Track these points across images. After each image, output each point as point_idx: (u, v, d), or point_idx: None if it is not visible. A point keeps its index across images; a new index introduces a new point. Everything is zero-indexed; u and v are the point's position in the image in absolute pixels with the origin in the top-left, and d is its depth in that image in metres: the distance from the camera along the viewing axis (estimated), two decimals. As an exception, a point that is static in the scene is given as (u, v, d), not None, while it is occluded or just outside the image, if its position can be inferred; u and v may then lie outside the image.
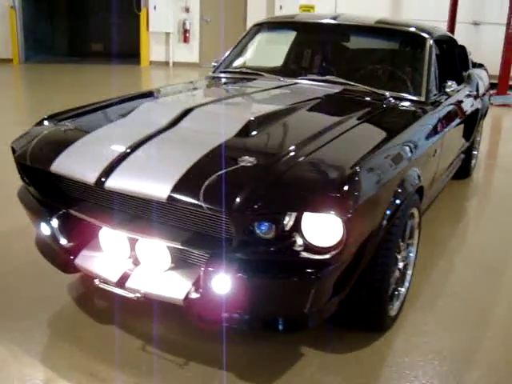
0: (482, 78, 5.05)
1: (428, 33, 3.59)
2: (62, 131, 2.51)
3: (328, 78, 3.40)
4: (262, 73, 3.60)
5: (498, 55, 10.82)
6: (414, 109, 3.13)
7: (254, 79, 3.54)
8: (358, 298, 2.34)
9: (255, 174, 2.03)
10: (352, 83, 3.32)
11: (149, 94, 3.21)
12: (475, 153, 5.20)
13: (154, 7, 12.21)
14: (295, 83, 3.39)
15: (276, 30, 4.11)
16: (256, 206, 1.91)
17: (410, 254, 2.76)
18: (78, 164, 2.24)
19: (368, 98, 3.20)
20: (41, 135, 2.48)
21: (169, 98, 3.14)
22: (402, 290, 2.70)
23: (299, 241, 1.99)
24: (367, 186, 2.11)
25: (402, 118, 2.92)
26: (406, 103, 3.20)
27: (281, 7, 12.74)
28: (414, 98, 3.25)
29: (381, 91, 3.26)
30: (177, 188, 1.99)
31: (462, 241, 3.87)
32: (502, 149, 6.98)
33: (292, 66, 3.90)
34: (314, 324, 2.16)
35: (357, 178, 2.05)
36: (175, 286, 2.16)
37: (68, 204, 2.36)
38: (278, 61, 4.18)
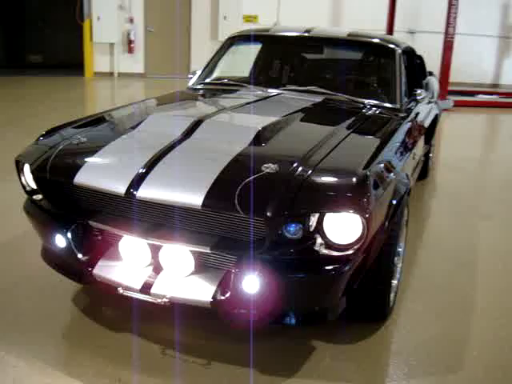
0: (434, 85, 5.42)
1: (396, 44, 3.87)
2: (77, 144, 2.55)
3: (310, 88, 3.58)
4: (245, 84, 3.74)
5: (432, 62, 11.49)
6: (391, 116, 3.37)
7: (238, 90, 3.67)
8: (363, 290, 2.52)
9: (280, 179, 2.18)
10: (333, 93, 3.53)
11: (143, 106, 3.29)
12: (431, 155, 5.57)
13: (98, 18, 12.07)
14: (280, 94, 3.55)
15: (250, 42, 4.26)
16: (288, 209, 2.06)
17: (400, 249, 2.98)
18: (103, 176, 2.30)
19: (349, 107, 3.42)
20: (58, 148, 2.52)
21: (171, 110, 3.21)
22: (395, 282, 2.91)
23: (321, 240, 2.15)
24: (377, 188, 2.30)
25: (386, 125, 3.15)
26: (383, 110, 3.44)
27: (225, 17, 12.94)
28: (390, 105, 3.50)
29: (360, 100, 3.49)
30: (210, 196, 2.11)
31: (434, 236, 4.16)
32: (449, 150, 7.47)
33: (272, 78, 4.06)
34: (332, 318, 2.33)
35: (369, 181, 2.24)
36: (200, 289, 2.26)
37: (86, 215, 2.41)
38: (254, 72, 4.32)
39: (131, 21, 12.46)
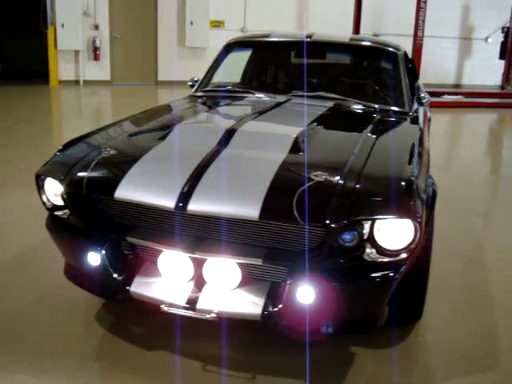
0: (422, 88, 5.52)
1: (397, 48, 3.91)
2: (109, 157, 2.46)
3: (319, 93, 3.58)
4: (252, 91, 3.70)
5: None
6: (404, 119, 3.40)
7: (246, 97, 3.62)
8: (402, 293, 2.52)
9: (333, 188, 2.16)
10: (342, 98, 3.53)
11: (159, 115, 3.21)
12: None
13: (62, 25, 11.78)
14: (289, 99, 3.51)
15: (249, 48, 4.22)
16: (346, 217, 2.04)
17: None
18: (147, 190, 2.21)
19: (361, 112, 3.43)
20: (94, 162, 2.41)
21: (193, 119, 3.10)
22: None
23: (372, 246, 2.14)
24: (420, 192, 2.31)
25: (405, 129, 3.18)
26: (394, 114, 3.47)
27: (192, 23, 12.85)
28: (400, 109, 3.53)
29: (370, 104, 3.51)
30: (266, 207, 2.06)
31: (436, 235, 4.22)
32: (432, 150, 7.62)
33: (277, 84, 4.02)
34: (380, 324, 2.32)
35: (415, 186, 2.24)
36: (249, 302, 2.21)
37: (123, 231, 2.32)
38: (256, 78, 4.28)
39: (96, 27, 12.22)
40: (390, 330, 2.74)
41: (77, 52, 12.19)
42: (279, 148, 2.44)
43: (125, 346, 2.58)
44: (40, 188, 2.54)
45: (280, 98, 3.55)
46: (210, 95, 3.81)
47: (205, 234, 2.25)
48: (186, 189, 2.17)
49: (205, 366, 2.45)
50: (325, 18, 13.32)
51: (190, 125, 2.89)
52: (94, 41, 12.20)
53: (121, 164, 2.42)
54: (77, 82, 12.46)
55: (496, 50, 14.75)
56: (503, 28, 14.49)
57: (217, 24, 13.21)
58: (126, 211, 2.34)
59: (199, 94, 3.89)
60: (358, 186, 2.18)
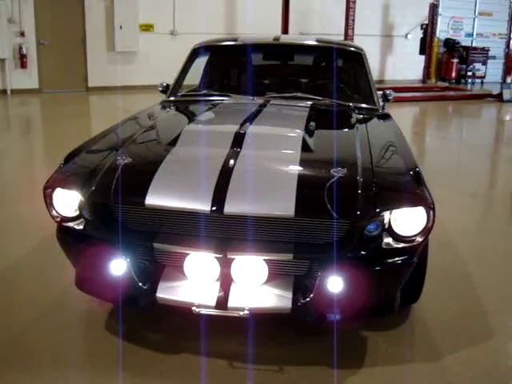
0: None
1: (360, 48, 4.13)
2: (128, 165, 2.45)
3: (297, 94, 3.70)
4: (229, 94, 3.76)
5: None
6: (381, 115, 3.62)
7: (224, 100, 3.68)
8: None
9: (354, 182, 2.31)
10: (318, 98, 3.68)
11: (157, 119, 3.21)
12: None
13: (-15, 32, 11.20)
14: (268, 101, 3.59)
15: (218, 51, 4.28)
16: (373, 209, 2.19)
17: None
18: (179, 195, 2.25)
19: (340, 110, 3.60)
20: (116, 171, 2.40)
21: (197, 123, 3.11)
22: None
23: (390, 234, 2.31)
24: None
25: (386, 124, 3.38)
26: (367, 112, 3.67)
27: (121, 27, 12.63)
28: (372, 106, 3.74)
29: (344, 103, 3.69)
30: (300, 204, 2.17)
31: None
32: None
33: (251, 86, 4.10)
34: (397, 306, 2.48)
35: (421, 176, 2.44)
36: (278, 297, 2.30)
37: (148, 238, 2.34)
38: (228, 81, 4.34)
39: (22, 34, 11.71)
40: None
41: (2, 60, 11.64)
42: (291, 148, 2.56)
43: (146, 353, 2.59)
44: (48, 200, 2.50)
45: (258, 100, 3.64)
46: (187, 99, 3.84)
47: (236, 234, 2.31)
48: (218, 191, 2.23)
49: (231, 364, 2.51)
50: (253, 19, 13.50)
51: (195, 129, 2.92)
52: (20, 48, 11.69)
53: (143, 171, 2.43)
54: (4, 92, 11.90)
55: (416, 45, 15.60)
56: (422, 25, 15.35)
57: (146, 28, 13.07)
58: (153, 218, 2.36)
59: (174, 98, 3.90)
60: (375, 179, 2.33)
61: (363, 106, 3.73)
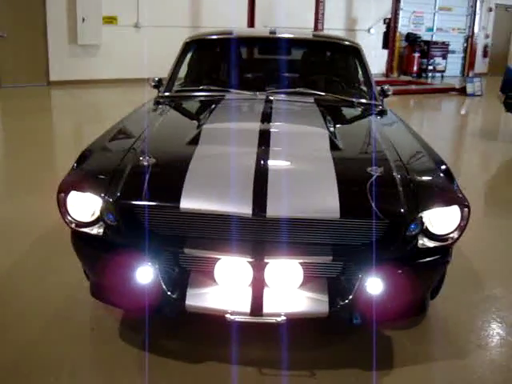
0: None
1: (356, 43, 4.09)
2: (155, 166, 2.33)
3: (299, 89, 3.63)
4: (229, 89, 3.65)
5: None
6: (384, 111, 3.59)
7: (225, 96, 3.57)
8: None
9: (393, 182, 2.26)
10: (321, 93, 3.62)
11: (164, 116, 3.08)
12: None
13: None
14: (270, 96, 3.50)
15: (211, 45, 4.14)
16: (416, 209, 2.15)
17: None
18: (214, 199, 2.14)
19: (344, 105, 3.55)
20: (146, 172, 2.27)
21: (213, 121, 2.94)
22: None
23: (424, 233, 2.27)
24: None
25: (393, 120, 3.36)
26: (370, 106, 3.63)
27: (83, 19, 12.22)
28: (373, 102, 3.71)
29: (347, 98, 3.64)
30: (344, 205, 2.10)
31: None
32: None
33: (251, 81, 3.98)
34: (428, 305, 2.46)
35: (452, 174, 2.41)
36: (313, 300, 2.23)
37: (179, 244, 2.22)
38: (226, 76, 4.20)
39: (-21, 27, 11.18)
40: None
41: (-42, 54, 11.08)
42: (320, 146, 2.49)
43: (169, 363, 2.47)
44: (62, 205, 2.34)
45: (261, 96, 3.54)
46: (185, 95, 3.70)
47: (276, 237, 2.21)
48: (257, 194, 2.14)
49: (260, 370, 2.43)
50: (218, 12, 13.34)
51: (215, 127, 2.80)
52: (-24, 41, 11.16)
53: (172, 173, 2.32)
54: (-39, 87, 11.34)
55: (378, 39, 15.76)
56: (385, 19, 15.53)
57: (109, 20, 12.69)
58: (185, 222, 2.24)
59: (170, 94, 3.74)
60: (411, 178, 2.29)
61: (365, 101, 3.69)
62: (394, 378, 2.42)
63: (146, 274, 2.22)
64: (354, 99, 3.65)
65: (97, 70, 12.63)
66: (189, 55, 3.99)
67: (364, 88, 3.84)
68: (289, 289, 2.25)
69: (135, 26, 12.98)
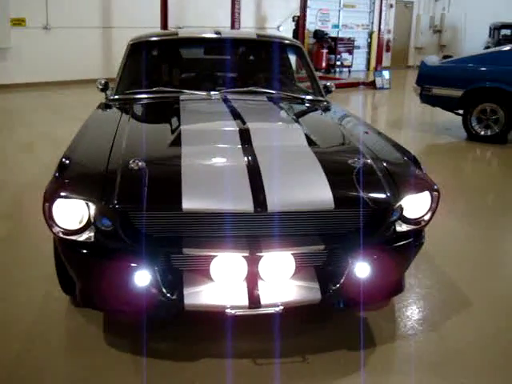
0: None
1: (298, 42, 4.26)
2: (147, 169, 2.32)
3: (251, 88, 3.72)
4: (183, 90, 3.67)
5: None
6: (329, 106, 3.79)
7: (178, 96, 3.58)
8: None
9: (374, 172, 2.43)
10: (273, 91, 3.74)
11: (128, 119, 3.08)
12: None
13: None
14: (226, 96, 3.57)
15: (158, 46, 4.13)
16: (399, 197, 2.34)
17: None
18: (214, 198, 2.19)
19: (297, 102, 3.71)
20: (139, 175, 2.27)
21: (187, 121, 2.94)
22: None
23: (401, 218, 2.47)
24: None
25: (347, 115, 3.56)
26: (318, 103, 3.82)
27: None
28: (320, 98, 3.89)
29: (299, 95, 3.80)
30: (337, 196, 2.24)
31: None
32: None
33: (203, 81, 4.00)
34: (404, 285, 2.66)
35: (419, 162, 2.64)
36: (305, 289, 2.35)
37: (176, 245, 2.25)
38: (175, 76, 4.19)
39: None
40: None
41: None
42: (298, 141, 2.62)
43: (164, 364, 2.49)
44: (48, 214, 2.27)
45: (216, 96, 3.60)
46: (138, 97, 3.66)
47: (275, 231, 2.30)
48: (256, 190, 2.22)
49: (255, 361, 2.52)
50: (130, 12, 13.12)
51: (193, 128, 2.81)
52: None
53: (166, 175, 2.35)
54: None
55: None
56: (294, 17, 15.95)
57: (18, 22, 12.05)
58: (185, 222, 2.27)
59: (121, 96, 3.68)
60: (387, 168, 2.48)
61: (313, 98, 3.86)
62: (379, 355, 2.59)
63: (143, 276, 2.24)
64: (303, 96, 3.81)
65: (8, 75, 11.95)
66: (133, 57, 3.93)
67: (311, 85, 4.01)
68: (282, 280, 2.35)
69: (45, 27, 12.43)
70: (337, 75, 16.79)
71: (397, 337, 2.75)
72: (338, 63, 17.21)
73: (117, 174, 2.31)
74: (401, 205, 2.39)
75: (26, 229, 4.00)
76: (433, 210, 2.49)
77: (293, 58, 4.30)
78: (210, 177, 2.32)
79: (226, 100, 3.45)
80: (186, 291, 2.30)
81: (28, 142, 6.93)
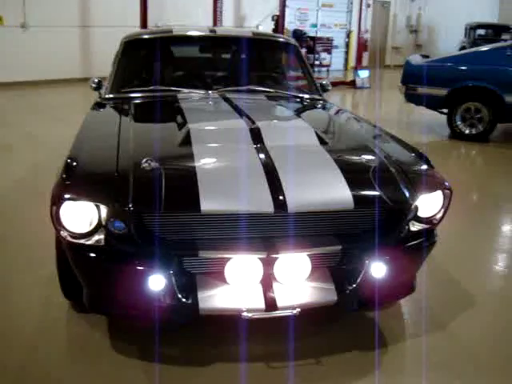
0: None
1: (294, 40, 4.23)
2: (162, 169, 2.25)
3: (250, 87, 3.67)
4: (180, 88, 3.60)
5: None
6: (328, 105, 3.78)
7: (177, 95, 3.51)
8: None
9: (390, 171, 2.41)
10: (271, 90, 3.71)
11: (129, 123, 2.98)
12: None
13: None
14: (224, 94, 3.52)
15: (153, 43, 4.04)
16: (417, 196, 2.33)
17: None
18: (233, 199, 2.14)
19: (296, 100, 3.68)
20: (154, 176, 2.20)
21: (194, 121, 2.85)
22: None
23: (414, 217, 2.45)
24: None
25: (348, 113, 3.55)
26: (317, 101, 3.80)
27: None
28: (318, 96, 3.87)
29: (298, 94, 3.77)
30: (356, 196, 2.21)
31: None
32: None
33: (200, 79, 3.92)
34: (416, 286, 2.65)
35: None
36: (321, 290, 2.32)
37: (193, 248, 2.19)
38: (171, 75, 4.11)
39: None
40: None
41: None
42: (309, 140, 2.59)
43: (178, 370, 2.43)
44: (56, 218, 2.19)
45: (214, 94, 3.55)
46: (136, 96, 3.57)
47: (295, 232, 2.26)
48: (274, 190, 2.18)
49: (268, 364, 2.48)
50: (109, 11, 12.94)
51: (201, 127, 2.75)
52: None
53: (182, 175, 2.30)
54: None
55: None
56: (273, 16, 15.93)
57: (-9, 19, 11.77)
58: (203, 224, 2.21)
59: (117, 95, 3.60)
60: (402, 167, 2.46)
61: (312, 96, 3.84)
62: (391, 355, 2.58)
63: (158, 281, 2.17)
64: (301, 95, 3.78)
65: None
66: (128, 55, 3.85)
67: (308, 84, 3.98)
68: (297, 281, 2.31)
69: (22, 26, 12.15)
70: (315, 75, 16.82)
71: (406, 336, 2.74)
72: (317, 62, 17.24)
73: (129, 174, 2.23)
74: (416, 204, 2.38)
75: (18, 230, 3.89)
76: (445, 208, 2.48)
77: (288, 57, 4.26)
78: (227, 177, 2.27)
79: (226, 99, 3.40)
80: (201, 295, 2.24)
81: (7, 144, 6.73)
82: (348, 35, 18.27)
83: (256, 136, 2.56)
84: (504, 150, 7.32)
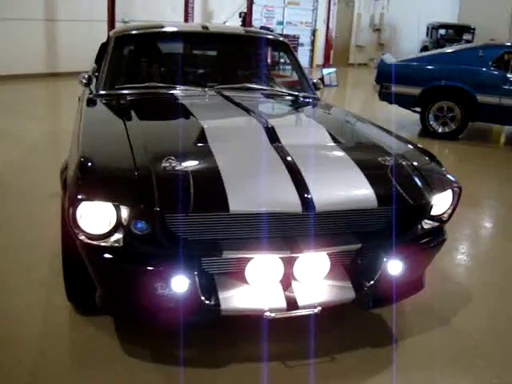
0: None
1: (284, 38, 4.23)
2: (185, 169, 2.22)
3: (245, 85, 3.65)
4: (175, 85, 3.54)
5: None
6: (326, 103, 3.80)
7: (173, 93, 3.46)
8: None
9: (406, 170, 2.46)
10: (266, 88, 3.70)
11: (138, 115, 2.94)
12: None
13: None
14: (221, 92, 3.48)
15: (145, 39, 3.96)
16: (430, 193, 2.38)
17: None
18: (262, 198, 2.13)
19: (293, 99, 3.68)
20: (178, 176, 2.17)
21: (203, 118, 2.81)
22: None
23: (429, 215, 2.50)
24: None
25: (348, 112, 3.58)
26: (312, 100, 3.82)
27: None
28: (312, 94, 3.89)
29: (293, 92, 3.77)
30: (379, 194, 2.23)
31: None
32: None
33: (195, 76, 3.86)
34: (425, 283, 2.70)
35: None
36: (340, 288, 2.33)
37: (217, 248, 2.17)
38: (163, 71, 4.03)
39: None
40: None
41: None
42: (323, 138, 2.61)
43: (195, 373, 2.40)
44: (74, 218, 2.12)
45: (210, 92, 3.51)
46: (132, 92, 3.49)
47: (319, 230, 2.27)
48: (300, 190, 2.17)
49: (284, 363, 2.48)
50: (76, 5, 12.63)
51: (215, 125, 2.72)
52: None
53: (206, 175, 2.26)
54: None
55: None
56: (241, 13, 15.89)
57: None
58: (229, 224, 2.19)
59: (111, 91, 3.48)
60: (415, 166, 2.50)
61: (306, 94, 3.85)
62: (403, 351, 2.62)
63: (181, 282, 2.14)
64: (296, 93, 3.78)
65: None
66: (120, 50, 3.76)
67: (302, 82, 3.99)
68: (316, 280, 2.32)
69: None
70: (281, 72, 16.89)
71: (415, 333, 2.79)
72: (282, 60, 17.32)
73: (151, 174, 2.17)
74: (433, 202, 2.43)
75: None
76: (454, 205, 2.54)
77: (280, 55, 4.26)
78: (252, 176, 2.25)
79: (225, 96, 3.37)
80: (222, 295, 2.22)
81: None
82: (313, 33, 18.41)
83: (271, 134, 2.55)
84: (473, 146, 7.55)
